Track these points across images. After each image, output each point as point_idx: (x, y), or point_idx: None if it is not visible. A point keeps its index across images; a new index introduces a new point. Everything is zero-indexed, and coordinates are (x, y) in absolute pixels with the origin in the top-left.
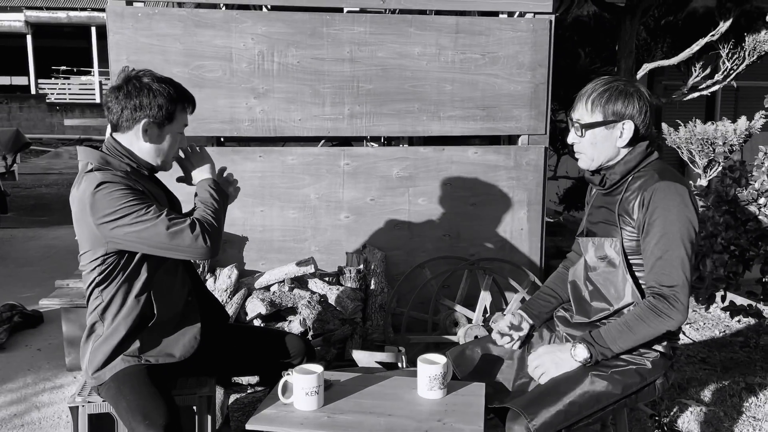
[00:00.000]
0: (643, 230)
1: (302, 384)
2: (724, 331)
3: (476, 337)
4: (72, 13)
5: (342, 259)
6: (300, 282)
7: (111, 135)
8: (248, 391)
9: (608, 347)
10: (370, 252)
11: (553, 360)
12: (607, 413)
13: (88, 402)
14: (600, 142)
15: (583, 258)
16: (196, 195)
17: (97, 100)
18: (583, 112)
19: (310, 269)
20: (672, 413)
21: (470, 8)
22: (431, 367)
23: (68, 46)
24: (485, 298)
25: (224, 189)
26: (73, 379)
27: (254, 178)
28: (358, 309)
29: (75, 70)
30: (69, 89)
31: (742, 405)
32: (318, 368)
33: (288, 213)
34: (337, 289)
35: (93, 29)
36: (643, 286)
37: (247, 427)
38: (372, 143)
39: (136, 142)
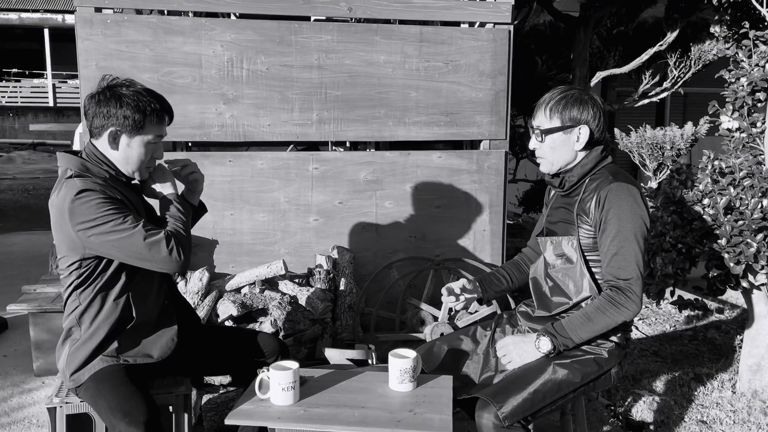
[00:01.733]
0: (599, 228)
1: (279, 380)
2: (675, 326)
3: (442, 334)
4: (24, 15)
5: (311, 261)
6: (270, 284)
7: (90, 141)
8: (221, 392)
9: (569, 338)
10: (339, 253)
11: (518, 351)
12: (568, 400)
13: (66, 403)
14: (559, 146)
15: (542, 256)
16: (163, 209)
17: (50, 104)
18: (542, 118)
19: (281, 271)
20: (626, 403)
21: (433, 18)
22: (402, 361)
23: (20, 48)
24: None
25: (188, 199)
26: (41, 384)
27: (224, 182)
28: (327, 309)
29: (27, 72)
30: (20, 92)
31: (691, 394)
32: (294, 364)
33: (258, 216)
34: (307, 290)
35: (46, 31)
36: (599, 281)
37: (226, 422)
38: (337, 148)
39: (107, 149)
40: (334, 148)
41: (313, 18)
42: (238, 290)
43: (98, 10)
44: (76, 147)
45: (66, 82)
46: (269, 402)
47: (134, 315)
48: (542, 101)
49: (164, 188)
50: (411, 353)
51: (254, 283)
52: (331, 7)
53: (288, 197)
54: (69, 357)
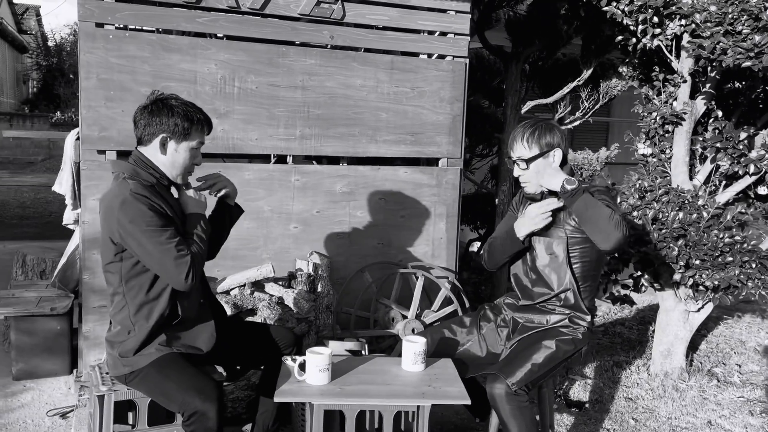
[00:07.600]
0: None
1: (317, 362)
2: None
3: (414, 330)
4: None
5: (290, 265)
6: (257, 286)
7: (137, 149)
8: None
9: (582, 200)
10: (318, 258)
11: (549, 173)
12: (555, 372)
13: (114, 390)
14: (541, 170)
15: (526, 254)
16: (191, 226)
17: None
18: (522, 150)
19: (270, 274)
20: (564, 386)
21: (402, 48)
22: (416, 344)
23: None
24: (418, 298)
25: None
26: (23, 387)
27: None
28: (312, 309)
29: None
30: None
31: (615, 377)
32: (327, 350)
33: (243, 224)
34: (293, 292)
35: None
36: (576, 275)
37: (276, 399)
38: (312, 161)
39: (155, 155)
40: (313, 162)
41: (297, 42)
42: (227, 292)
43: (99, 25)
44: (68, 154)
45: None
46: (305, 383)
47: (180, 313)
48: (517, 135)
49: (195, 208)
50: (421, 339)
51: (244, 285)
52: (316, 34)
53: (271, 206)
54: (124, 346)
